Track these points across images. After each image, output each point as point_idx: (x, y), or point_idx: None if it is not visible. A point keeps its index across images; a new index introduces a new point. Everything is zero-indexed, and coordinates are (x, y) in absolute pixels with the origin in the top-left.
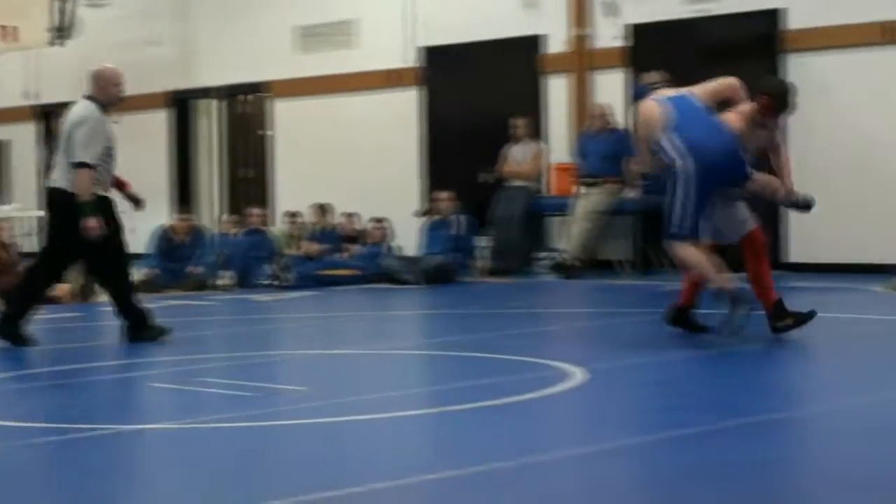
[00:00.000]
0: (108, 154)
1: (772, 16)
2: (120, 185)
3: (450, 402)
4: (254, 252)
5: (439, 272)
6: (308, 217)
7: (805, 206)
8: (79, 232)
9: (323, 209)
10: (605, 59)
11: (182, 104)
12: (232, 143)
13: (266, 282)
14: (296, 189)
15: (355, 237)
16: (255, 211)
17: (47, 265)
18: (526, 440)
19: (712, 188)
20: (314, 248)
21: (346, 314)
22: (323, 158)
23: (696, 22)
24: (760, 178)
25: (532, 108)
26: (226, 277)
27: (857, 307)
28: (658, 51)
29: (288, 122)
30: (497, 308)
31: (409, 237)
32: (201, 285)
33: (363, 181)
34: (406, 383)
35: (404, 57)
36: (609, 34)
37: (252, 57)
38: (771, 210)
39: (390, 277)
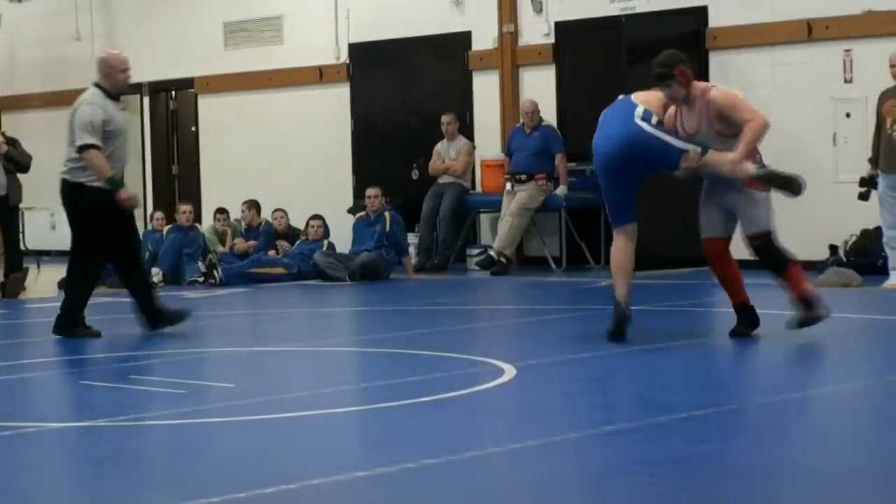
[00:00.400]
0: (111, 138)
1: (698, 13)
2: None
3: (381, 398)
4: (184, 249)
5: (370, 269)
6: (238, 214)
7: (780, 183)
8: (91, 220)
9: (253, 206)
10: (533, 56)
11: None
12: (160, 140)
13: (196, 279)
14: (226, 186)
15: (287, 234)
16: (185, 208)
17: (81, 256)
18: (457, 436)
19: (622, 176)
20: (244, 245)
21: (277, 311)
22: (253, 155)
23: (622, 19)
24: (707, 157)
25: (461, 104)
26: (155, 275)
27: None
28: (585, 48)
29: (215, 118)
30: (427, 305)
31: (342, 234)
32: None
33: (294, 178)
34: (337, 380)
35: (333, 53)
36: (537, 31)
37: (178, 53)
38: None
39: (321, 274)
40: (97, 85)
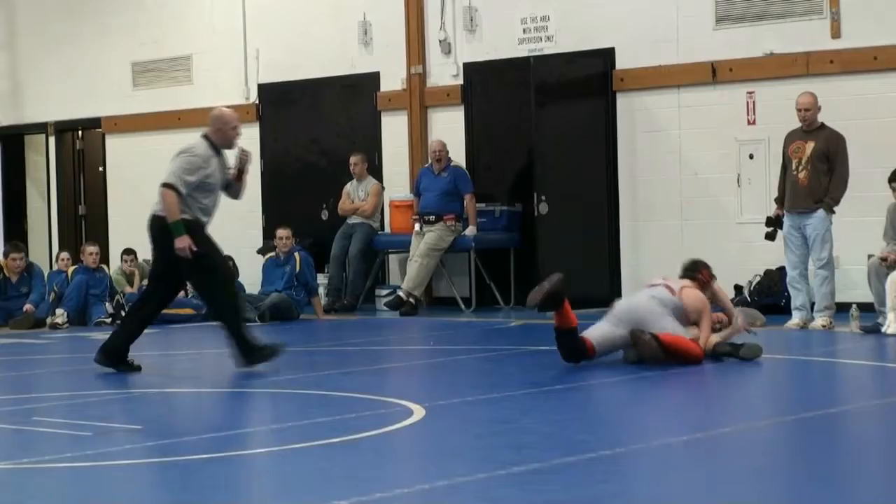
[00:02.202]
0: (206, 190)
1: (605, 55)
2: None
3: (290, 439)
4: (90, 290)
5: (279, 309)
6: (148, 255)
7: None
8: (172, 253)
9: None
10: (441, 97)
11: (12, 139)
12: (66, 180)
13: (103, 320)
14: (134, 226)
15: None
16: (91, 249)
17: (154, 288)
18: (366, 477)
19: None
20: None
21: (185, 352)
22: None
23: (531, 60)
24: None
25: (370, 145)
26: (60, 315)
27: None
28: (494, 89)
29: (123, 158)
30: (337, 345)
31: (252, 274)
32: (36, 323)
33: None
34: (246, 421)
35: (242, 93)
36: (446, 72)
37: (85, 92)
38: (600, 252)
39: None
40: (206, 137)
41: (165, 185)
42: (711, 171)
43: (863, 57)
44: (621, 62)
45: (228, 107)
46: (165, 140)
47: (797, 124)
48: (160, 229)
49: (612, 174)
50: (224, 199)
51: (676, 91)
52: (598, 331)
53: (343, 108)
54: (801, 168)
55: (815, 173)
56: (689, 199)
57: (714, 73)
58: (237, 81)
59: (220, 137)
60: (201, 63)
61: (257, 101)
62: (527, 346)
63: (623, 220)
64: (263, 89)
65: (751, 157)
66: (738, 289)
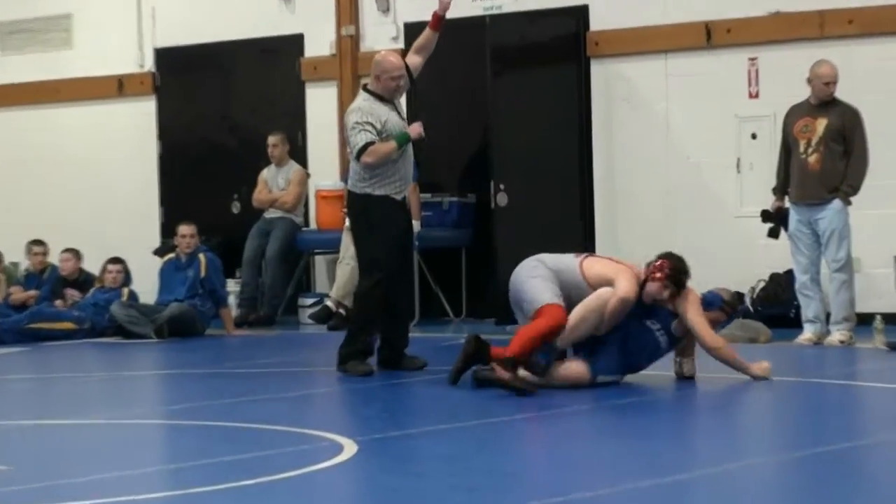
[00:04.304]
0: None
1: (577, 14)
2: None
3: (194, 482)
4: None
5: (180, 323)
6: (17, 256)
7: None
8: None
9: (35, 247)
10: None
11: None
12: None
13: None
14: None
15: (77, 281)
16: None
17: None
18: None
19: None
20: (23, 294)
21: (65, 376)
22: (35, 185)
23: (486, 20)
24: None
25: (292, 122)
26: None
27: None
28: (443, 53)
29: None
30: (251, 366)
31: (147, 280)
32: None
33: (87, 213)
34: (140, 460)
35: (135, 60)
36: (383, 33)
37: None
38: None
39: (120, 330)
40: (366, 89)
41: (362, 152)
42: (705, 153)
43: (889, 16)
44: (596, 22)
45: (119, 76)
46: (39, 117)
47: (805, 97)
48: (356, 209)
49: (585, 158)
50: (102, 188)
51: (663, 57)
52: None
53: (259, 78)
54: (811, 150)
55: (830, 156)
56: (678, 187)
57: (709, 36)
58: (129, 45)
59: (382, 86)
60: (83, 23)
61: (153, 70)
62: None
63: (599, 214)
64: (161, 55)
65: (753, 137)
66: (739, 297)
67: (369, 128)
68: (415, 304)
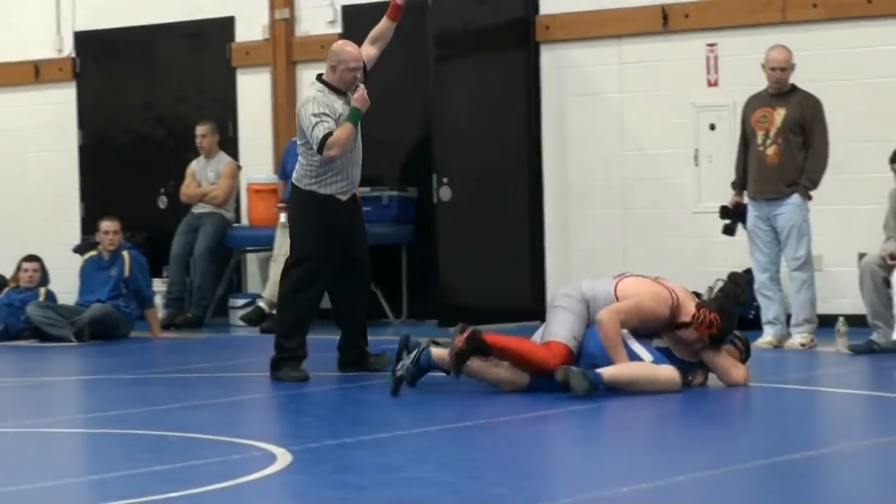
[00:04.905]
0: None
1: None
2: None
3: (116, 494)
4: None
5: (103, 325)
6: None
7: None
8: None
9: None
10: (314, 50)
11: None
12: None
13: None
14: None
15: None
16: None
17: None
18: None
19: None
20: None
21: None
22: None
23: (429, 3)
24: None
25: (223, 111)
26: None
27: None
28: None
29: None
30: (179, 371)
31: (66, 280)
32: None
33: (2, 207)
34: (59, 471)
35: (53, 45)
36: (319, 17)
37: None
38: (520, 249)
39: (37, 333)
40: (320, 79)
41: (322, 143)
42: (662, 145)
43: (855, 0)
44: (547, 5)
45: (35, 62)
46: None
47: (764, 86)
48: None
49: (534, 150)
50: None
51: (617, 43)
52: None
53: (187, 64)
54: (768, 142)
55: (788, 148)
56: (632, 181)
57: (665, 20)
58: (46, 29)
59: (337, 77)
60: None
61: (73, 55)
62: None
63: (549, 209)
64: (81, 39)
65: (712, 127)
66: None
67: (326, 119)
68: (381, 303)
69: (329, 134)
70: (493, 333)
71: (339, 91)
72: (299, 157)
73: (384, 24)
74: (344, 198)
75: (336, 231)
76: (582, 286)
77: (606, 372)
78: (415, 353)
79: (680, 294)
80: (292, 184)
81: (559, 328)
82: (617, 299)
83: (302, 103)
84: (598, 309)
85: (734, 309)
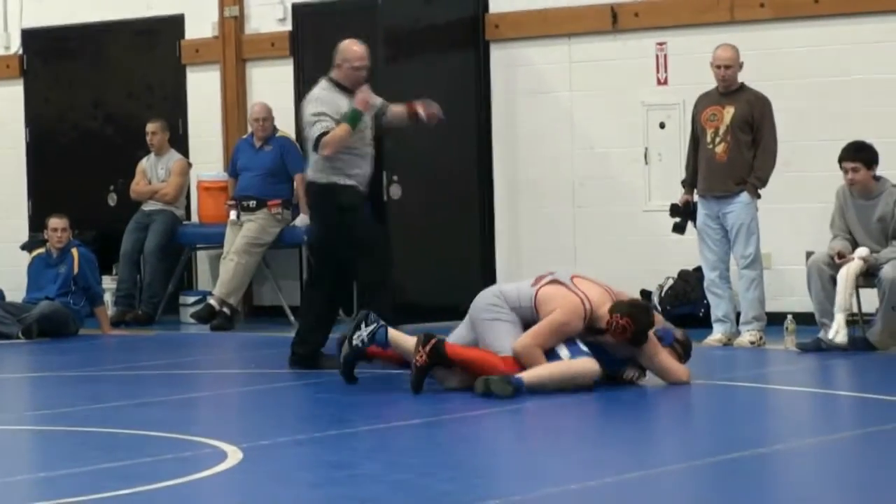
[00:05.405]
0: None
1: None
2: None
3: (66, 491)
4: None
5: (51, 322)
6: None
7: None
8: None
9: None
10: (264, 48)
11: None
12: None
13: None
14: None
15: None
16: None
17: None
18: None
19: None
20: None
21: None
22: None
23: (379, 2)
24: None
25: (172, 109)
26: None
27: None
28: (330, 37)
29: None
30: (129, 368)
31: (14, 277)
32: None
33: None
34: (6, 469)
35: (1, 42)
36: (269, 15)
37: None
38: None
39: None
40: (328, 77)
41: (318, 144)
42: (611, 143)
43: None
44: (496, 3)
45: None
46: None
47: (714, 85)
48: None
49: (484, 148)
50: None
51: (567, 42)
52: (455, 336)
53: (136, 62)
54: (718, 140)
55: (737, 146)
56: (582, 179)
57: (615, 19)
58: None
59: (343, 75)
60: None
61: (20, 52)
62: (375, 369)
63: (499, 207)
64: (29, 36)
65: (661, 126)
66: (646, 295)
67: (325, 118)
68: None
69: (325, 133)
70: (454, 345)
71: (346, 89)
72: (311, 154)
73: (400, 115)
74: (363, 188)
75: (363, 211)
76: (506, 295)
77: (526, 375)
78: (373, 326)
79: (594, 300)
80: (309, 181)
81: (502, 342)
82: (536, 309)
83: (306, 101)
84: (525, 315)
85: (646, 305)
